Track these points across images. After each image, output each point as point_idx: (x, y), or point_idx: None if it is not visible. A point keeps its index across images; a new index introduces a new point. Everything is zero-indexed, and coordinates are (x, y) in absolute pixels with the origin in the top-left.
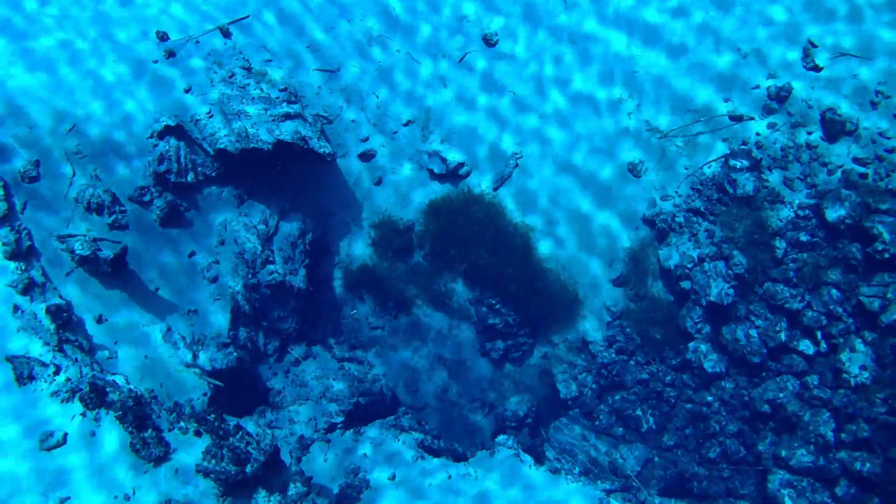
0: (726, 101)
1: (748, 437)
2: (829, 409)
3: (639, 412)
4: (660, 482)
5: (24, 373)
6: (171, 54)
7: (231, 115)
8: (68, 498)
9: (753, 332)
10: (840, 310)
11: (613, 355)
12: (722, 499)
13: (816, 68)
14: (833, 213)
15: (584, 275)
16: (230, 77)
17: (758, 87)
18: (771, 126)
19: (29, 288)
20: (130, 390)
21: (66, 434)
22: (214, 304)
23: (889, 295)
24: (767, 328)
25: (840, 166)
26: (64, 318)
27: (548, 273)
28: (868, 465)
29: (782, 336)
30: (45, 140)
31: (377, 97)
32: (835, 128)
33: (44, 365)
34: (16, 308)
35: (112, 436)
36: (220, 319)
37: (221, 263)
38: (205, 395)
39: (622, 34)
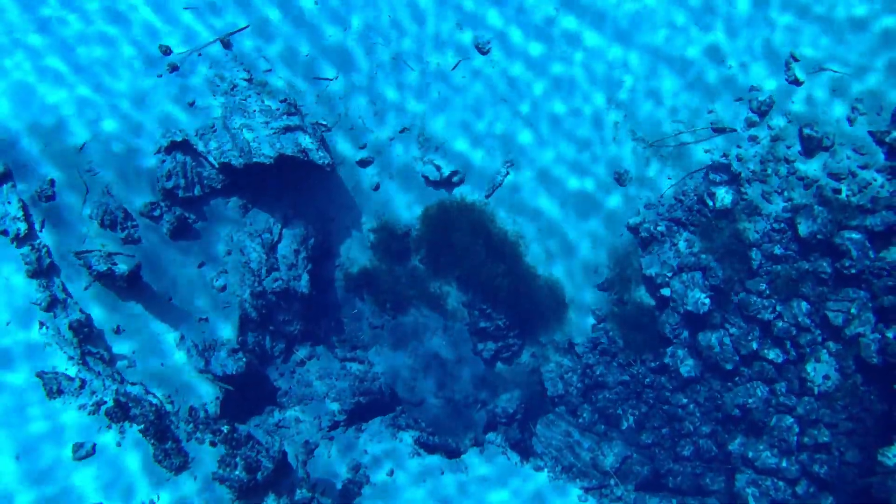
0: (710, 112)
1: (720, 437)
2: (793, 416)
3: (619, 411)
4: (637, 477)
5: (54, 388)
6: (174, 68)
7: (234, 129)
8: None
9: (727, 340)
10: (808, 321)
11: (597, 356)
12: (692, 495)
13: (797, 82)
14: (805, 228)
15: (570, 279)
16: (232, 89)
17: (741, 99)
18: (752, 139)
19: (52, 305)
20: (151, 403)
21: (94, 445)
22: (223, 311)
23: (853, 310)
24: (740, 336)
25: (816, 181)
26: (85, 333)
27: (536, 278)
28: (825, 467)
29: (754, 344)
30: (58, 160)
31: (374, 105)
32: (812, 143)
33: (70, 379)
34: (41, 324)
35: (136, 447)
36: (229, 326)
37: (229, 273)
38: (217, 398)
39: (611, 45)
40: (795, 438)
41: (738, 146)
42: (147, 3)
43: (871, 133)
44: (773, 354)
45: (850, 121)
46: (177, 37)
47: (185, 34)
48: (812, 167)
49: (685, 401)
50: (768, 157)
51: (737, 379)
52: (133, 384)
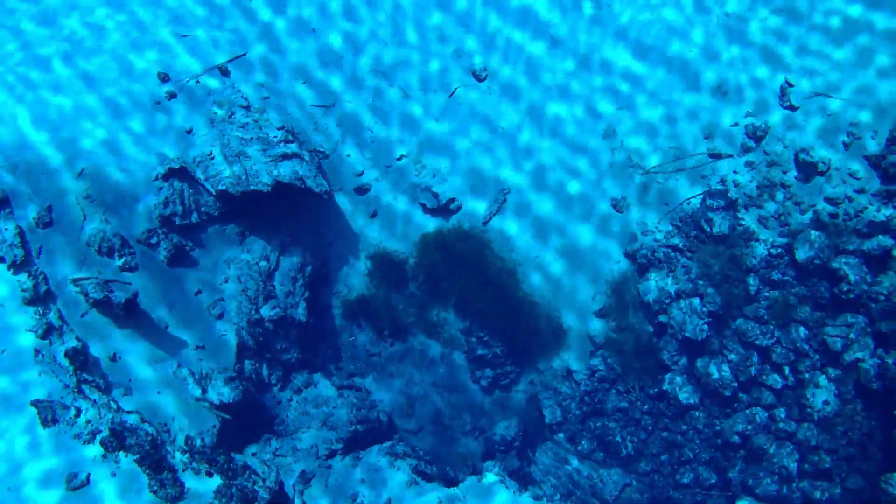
0: (706, 137)
1: (719, 463)
2: (793, 442)
3: (618, 438)
4: None
5: (49, 416)
6: (172, 95)
7: (231, 156)
8: None
9: (725, 367)
10: (807, 346)
11: (595, 383)
12: None
13: (792, 108)
14: (803, 254)
15: (568, 307)
16: (230, 116)
17: (736, 125)
18: (748, 164)
19: (48, 332)
20: (147, 433)
21: (88, 475)
22: (220, 339)
23: (851, 335)
24: (739, 362)
25: (812, 206)
26: (81, 361)
27: (534, 305)
28: (826, 494)
29: (752, 370)
30: (56, 185)
31: (371, 132)
32: (807, 168)
33: (65, 407)
34: (37, 352)
35: (131, 477)
36: (226, 354)
37: (226, 300)
38: (214, 427)
39: (608, 71)
40: (796, 465)
41: (735, 172)
42: (145, 30)
43: (866, 157)
44: (772, 380)
45: (846, 145)
46: (175, 64)
47: (184, 61)
48: (808, 192)
49: (684, 427)
50: (764, 182)
51: (736, 405)
52: (129, 412)
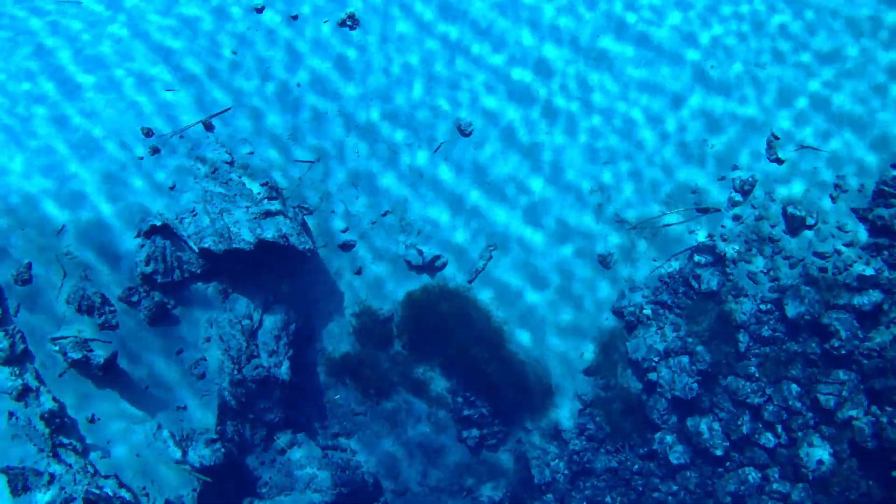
0: (693, 192)
1: None
2: None
3: (608, 499)
4: None
5: (19, 485)
6: (155, 150)
7: (214, 213)
8: None
9: (716, 426)
10: (799, 404)
11: (584, 443)
12: None
13: (779, 161)
14: (793, 310)
15: (556, 365)
16: (213, 172)
17: (723, 178)
18: (736, 218)
19: (23, 394)
20: (124, 500)
21: None
22: (202, 399)
23: (844, 393)
24: (730, 421)
25: (801, 260)
26: (57, 423)
27: (521, 364)
28: None
29: (744, 429)
30: (36, 242)
31: (356, 187)
32: (795, 222)
33: (38, 474)
34: (10, 415)
35: None
36: (207, 415)
37: (208, 360)
38: (194, 490)
39: (593, 126)
40: None
41: (723, 226)
42: (129, 85)
43: (853, 210)
44: (764, 439)
45: (833, 198)
46: (159, 119)
47: (167, 116)
48: (797, 246)
49: (675, 488)
50: (753, 236)
51: (728, 465)
52: (106, 477)
